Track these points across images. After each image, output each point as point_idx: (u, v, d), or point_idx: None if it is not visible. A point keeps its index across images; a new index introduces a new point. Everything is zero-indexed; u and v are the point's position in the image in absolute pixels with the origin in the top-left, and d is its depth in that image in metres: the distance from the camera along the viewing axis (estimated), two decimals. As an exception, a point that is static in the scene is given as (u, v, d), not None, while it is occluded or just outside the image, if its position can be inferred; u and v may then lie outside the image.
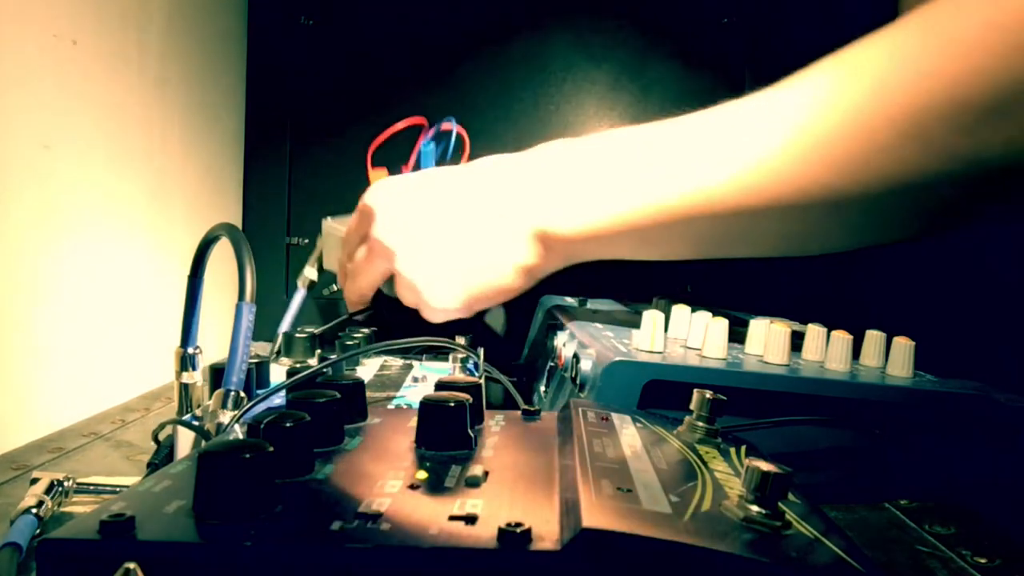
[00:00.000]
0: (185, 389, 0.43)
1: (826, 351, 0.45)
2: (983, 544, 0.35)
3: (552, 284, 0.81)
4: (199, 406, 0.42)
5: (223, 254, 0.44)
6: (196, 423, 0.38)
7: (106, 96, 0.58)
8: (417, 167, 0.57)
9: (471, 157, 0.56)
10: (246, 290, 0.39)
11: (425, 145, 0.57)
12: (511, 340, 0.78)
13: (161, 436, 0.40)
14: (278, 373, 0.50)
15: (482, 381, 0.39)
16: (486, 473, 0.27)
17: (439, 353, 0.57)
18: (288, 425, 0.27)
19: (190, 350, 0.43)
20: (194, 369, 0.43)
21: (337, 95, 0.89)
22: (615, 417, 0.35)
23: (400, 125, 0.59)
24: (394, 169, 0.62)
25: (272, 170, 0.89)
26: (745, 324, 0.47)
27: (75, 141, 0.54)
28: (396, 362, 0.55)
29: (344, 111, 0.89)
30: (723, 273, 0.90)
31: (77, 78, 0.54)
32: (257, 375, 0.44)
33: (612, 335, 0.48)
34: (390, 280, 0.53)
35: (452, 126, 0.58)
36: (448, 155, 0.60)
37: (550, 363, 0.54)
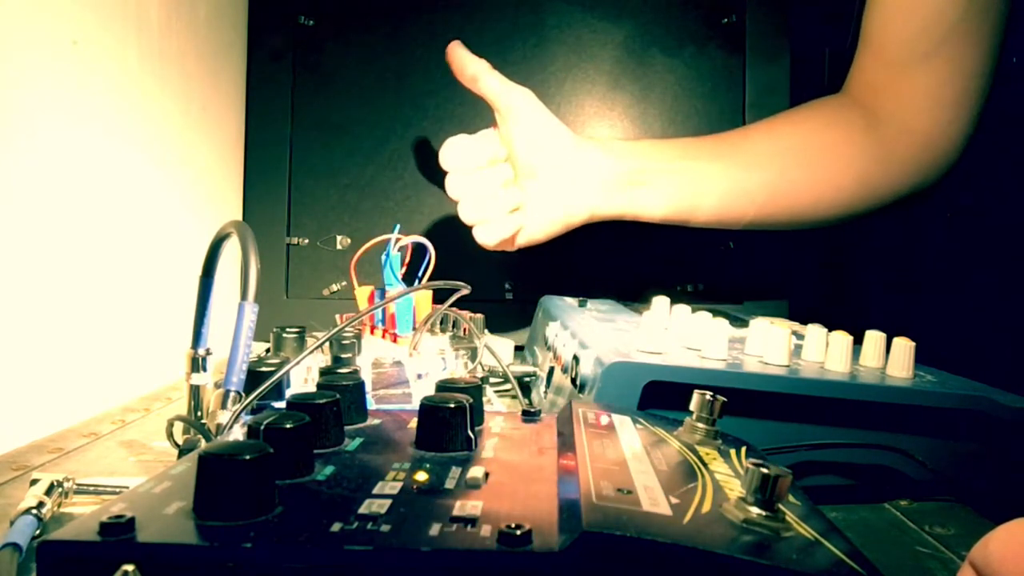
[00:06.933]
0: (196, 391, 0.42)
1: (826, 351, 0.45)
2: (983, 545, 0.35)
3: (552, 284, 0.81)
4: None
5: (224, 254, 0.44)
6: (204, 424, 0.38)
7: (105, 95, 0.58)
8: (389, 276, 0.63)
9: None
10: (249, 289, 0.39)
11: (386, 257, 0.63)
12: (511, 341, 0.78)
13: (181, 441, 0.39)
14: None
15: (480, 382, 0.39)
16: (486, 474, 0.27)
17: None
18: (288, 426, 0.27)
19: (200, 351, 0.43)
20: (204, 371, 0.43)
21: (338, 95, 0.89)
22: (615, 418, 0.35)
23: (373, 242, 0.66)
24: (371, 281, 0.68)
25: (272, 170, 0.89)
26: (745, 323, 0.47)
27: (74, 141, 0.54)
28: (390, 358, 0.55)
29: (344, 111, 0.89)
30: (725, 273, 0.90)
31: (76, 77, 0.54)
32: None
33: (612, 336, 0.48)
34: None
35: (406, 240, 0.64)
36: (421, 267, 0.65)
37: (550, 364, 0.54)
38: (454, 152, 0.66)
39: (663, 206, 0.71)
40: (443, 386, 0.36)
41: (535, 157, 0.68)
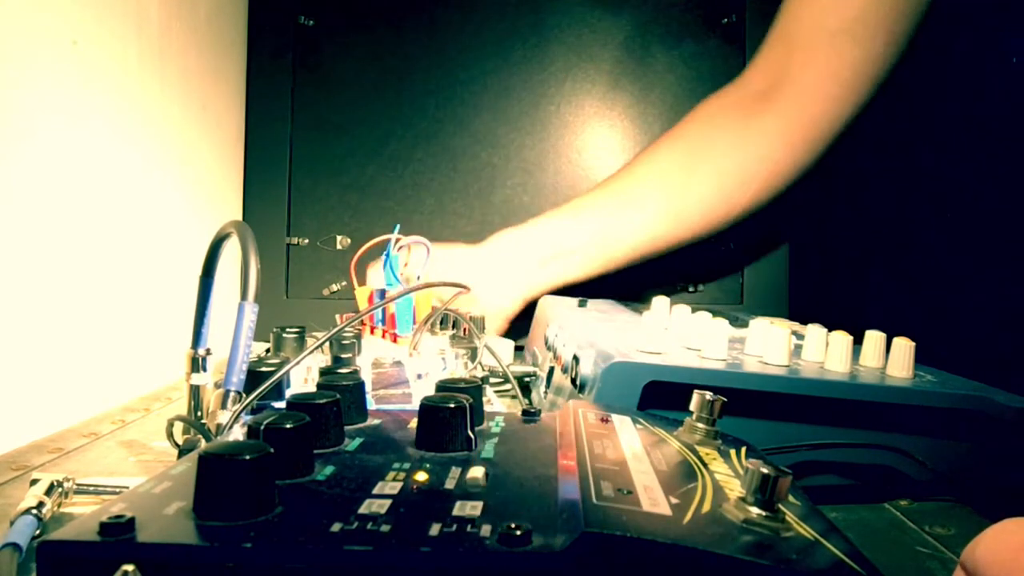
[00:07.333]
0: (196, 391, 0.42)
1: (826, 351, 0.45)
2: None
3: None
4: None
5: (224, 254, 0.44)
6: (204, 424, 0.38)
7: (105, 95, 0.58)
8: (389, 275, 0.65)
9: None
10: (249, 289, 0.39)
11: (386, 257, 0.63)
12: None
13: (181, 441, 0.39)
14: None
15: (480, 381, 0.39)
16: (486, 474, 0.27)
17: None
18: (288, 426, 0.27)
19: (200, 351, 0.43)
20: (204, 371, 0.43)
21: (338, 95, 0.89)
22: (615, 418, 0.35)
23: (373, 242, 0.67)
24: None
25: (272, 170, 0.89)
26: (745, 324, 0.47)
27: (74, 141, 0.54)
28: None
29: (344, 111, 0.89)
30: (725, 273, 0.90)
31: (77, 77, 0.54)
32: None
33: (612, 336, 0.48)
34: None
35: (406, 240, 0.65)
36: (422, 267, 0.66)
37: (550, 364, 0.54)
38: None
39: (583, 272, 0.78)
40: (443, 386, 0.36)
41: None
